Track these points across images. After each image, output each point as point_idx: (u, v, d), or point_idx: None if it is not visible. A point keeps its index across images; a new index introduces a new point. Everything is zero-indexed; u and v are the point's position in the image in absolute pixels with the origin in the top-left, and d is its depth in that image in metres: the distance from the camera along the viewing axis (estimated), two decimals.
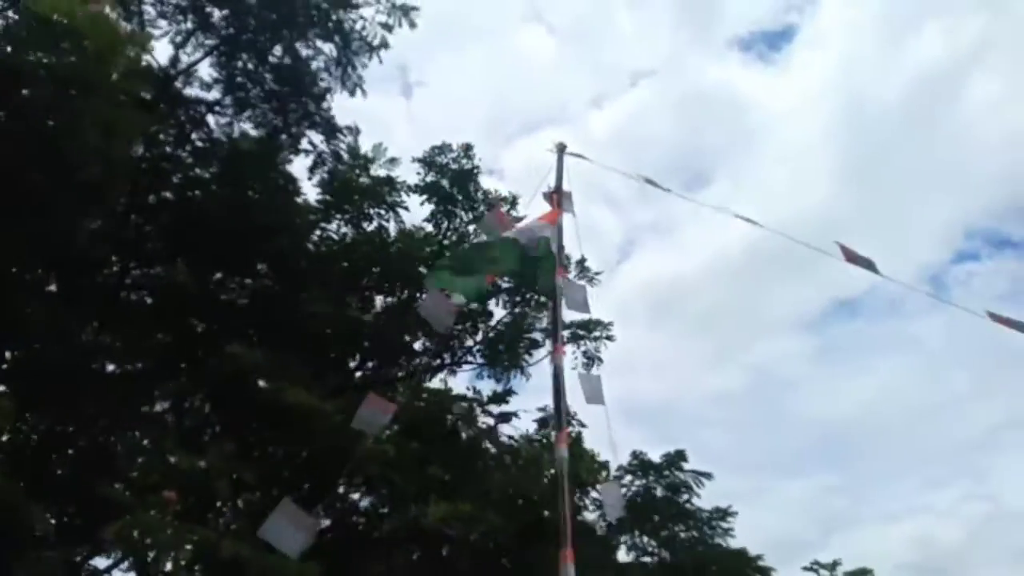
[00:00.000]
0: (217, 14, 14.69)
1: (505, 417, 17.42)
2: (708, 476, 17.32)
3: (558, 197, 10.14)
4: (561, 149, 10.56)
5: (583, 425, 17.12)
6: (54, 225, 11.24)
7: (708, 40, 60.05)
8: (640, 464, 17.60)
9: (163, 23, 14.74)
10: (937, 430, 53.46)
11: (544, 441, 16.73)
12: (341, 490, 16.97)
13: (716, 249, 53.88)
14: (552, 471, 15.03)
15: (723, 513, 17.56)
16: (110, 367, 16.28)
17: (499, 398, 17.51)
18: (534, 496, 15.13)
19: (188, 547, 10.63)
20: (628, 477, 17.63)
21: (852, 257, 8.33)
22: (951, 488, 53.56)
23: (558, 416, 8.62)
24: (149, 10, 14.52)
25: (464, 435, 16.52)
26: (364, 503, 17.22)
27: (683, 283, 55.26)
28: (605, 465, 17.09)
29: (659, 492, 17.20)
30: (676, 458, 17.61)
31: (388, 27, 15.12)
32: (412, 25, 15.06)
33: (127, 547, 10.58)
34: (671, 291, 53.92)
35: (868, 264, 8.17)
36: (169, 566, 11.25)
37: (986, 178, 53.23)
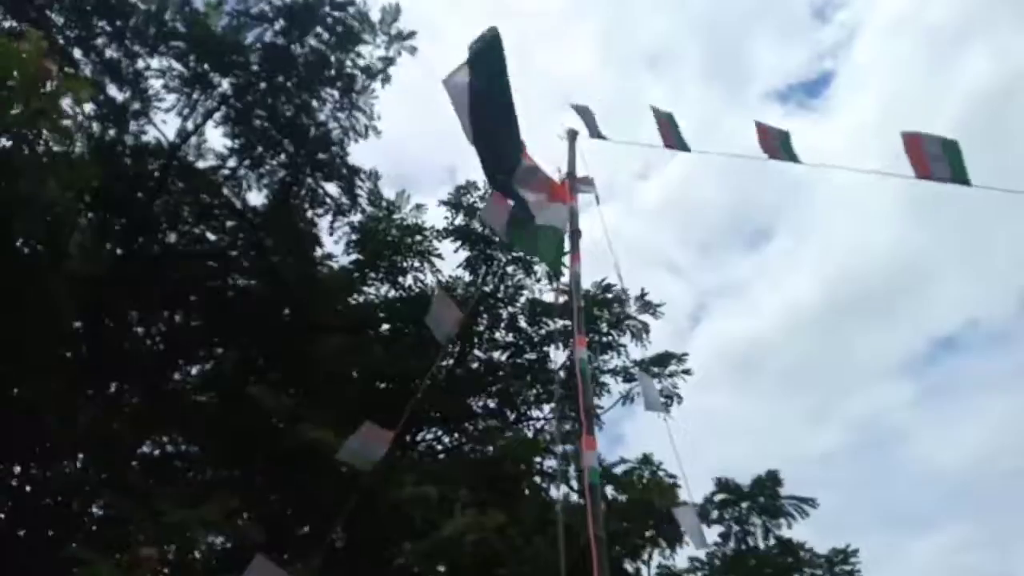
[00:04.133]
0: (224, 83, 14.43)
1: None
2: (811, 502, 14.91)
3: (571, 183, 9.02)
4: (572, 135, 9.51)
5: (673, 477, 15.13)
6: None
7: (742, 98, 58.65)
8: (728, 492, 15.27)
9: (169, 97, 14.55)
10: None
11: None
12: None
13: (790, 301, 50.96)
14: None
15: (843, 555, 14.99)
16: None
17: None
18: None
19: None
20: (715, 513, 15.32)
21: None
22: None
23: (586, 418, 7.07)
24: (154, 84, 14.42)
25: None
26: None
27: (763, 341, 52.28)
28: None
29: (755, 520, 14.83)
30: (768, 481, 15.19)
31: (389, 61, 14.59)
32: (412, 52, 14.49)
33: None
34: (752, 351, 50.93)
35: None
36: None
37: None
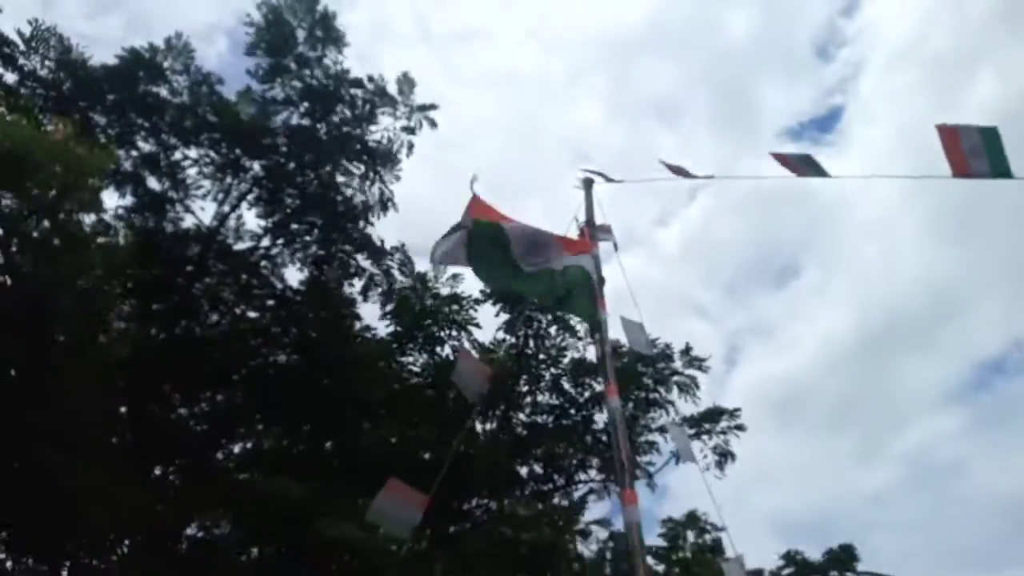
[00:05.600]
0: (256, 165, 14.89)
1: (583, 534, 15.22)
2: None
3: (590, 230, 8.85)
4: (588, 183, 9.44)
5: (718, 528, 14.55)
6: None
7: (755, 139, 58.63)
8: (796, 567, 14.25)
9: (205, 183, 15.06)
10: None
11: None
12: None
13: (826, 337, 49.31)
14: None
15: None
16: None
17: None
18: None
19: None
20: None
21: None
22: None
23: (621, 469, 6.76)
24: (190, 172, 14.95)
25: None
26: None
27: (802, 380, 50.50)
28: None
29: None
30: (842, 555, 14.08)
31: (411, 130, 14.92)
32: (433, 124, 14.82)
33: None
34: (791, 390, 49.23)
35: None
36: None
37: None
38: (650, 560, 14.54)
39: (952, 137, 5.64)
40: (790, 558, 14.60)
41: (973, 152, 5.58)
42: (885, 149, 52.25)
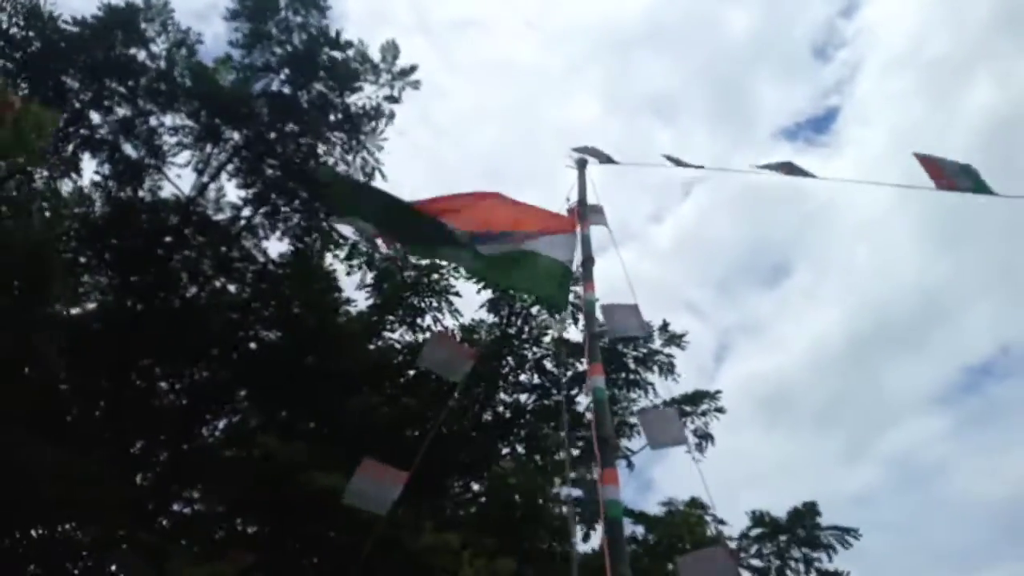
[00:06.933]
0: (236, 135, 14.52)
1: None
2: (853, 533, 14.13)
3: (581, 210, 8.69)
4: (582, 164, 9.26)
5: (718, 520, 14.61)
6: None
7: (751, 138, 58.26)
8: (764, 525, 14.53)
9: (184, 153, 14.68)
10: None
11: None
12: None
13: (814, 337, 49.30)
14: None
15: None
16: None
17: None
18: None
19: None
20: (754, 547, 14.60)
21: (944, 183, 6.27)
22: None
23: (601, 447, 6.64)
24: (167, 140, 14.58)
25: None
26: None
27: (790, 378, 50.53)
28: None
29: (794, 553, 14.09)
30: (805, 513, 14.47)
31: (394, 99, 14.62)
32: (416, 87, 14.54)
33: None
34: (779, 389, 49.26)
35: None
36: None
37: None
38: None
39: (933, 164, 5.88)
40: (758, 518, 14.90)
41: (955, 175, 5.83)
42: (879, 152, 52.12)
